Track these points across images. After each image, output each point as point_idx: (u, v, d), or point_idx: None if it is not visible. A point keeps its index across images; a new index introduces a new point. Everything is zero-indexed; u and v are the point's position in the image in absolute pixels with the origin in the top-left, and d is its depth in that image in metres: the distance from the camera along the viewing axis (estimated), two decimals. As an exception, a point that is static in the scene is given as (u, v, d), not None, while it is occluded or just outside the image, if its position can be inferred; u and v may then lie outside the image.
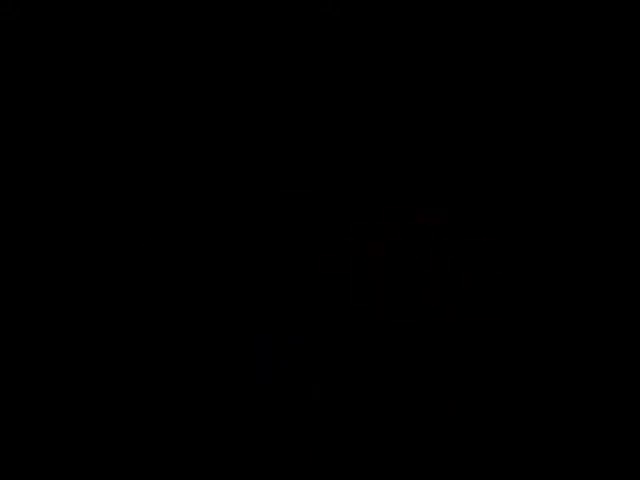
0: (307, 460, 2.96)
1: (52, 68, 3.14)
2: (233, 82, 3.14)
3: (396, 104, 3.14)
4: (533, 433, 2.97)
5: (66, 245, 3.03)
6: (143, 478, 2.92)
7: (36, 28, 3.13)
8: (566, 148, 3.10)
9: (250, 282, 3.07)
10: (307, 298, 3.06)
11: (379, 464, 2.96)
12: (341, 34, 3.14)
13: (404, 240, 3.04)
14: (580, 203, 3.07)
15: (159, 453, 2.93)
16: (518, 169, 3.10)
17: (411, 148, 3.13)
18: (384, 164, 3.12)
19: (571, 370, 3.00)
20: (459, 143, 3.12)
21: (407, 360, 3.03)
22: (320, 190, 3.11)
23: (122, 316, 3.04)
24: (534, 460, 2.95)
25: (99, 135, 3.12)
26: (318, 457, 2.96)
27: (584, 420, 2.97)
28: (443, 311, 3.04)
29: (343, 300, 3.05)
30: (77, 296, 3.03)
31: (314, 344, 2.99)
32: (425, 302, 3.04)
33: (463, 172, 3.10)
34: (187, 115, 3.11)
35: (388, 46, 3.15)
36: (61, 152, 3.10)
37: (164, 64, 3.14)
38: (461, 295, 3.05)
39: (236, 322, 3.04)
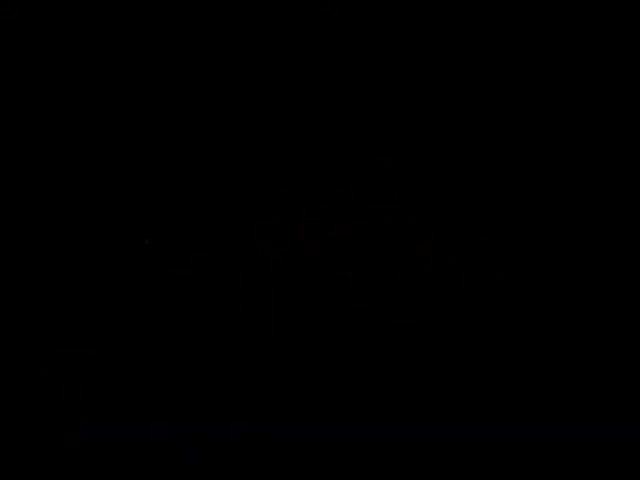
0: None
1: (52, 68, 3.14)
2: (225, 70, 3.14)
3: (396, 104, 3.14)
4: (533, 434, 2.97)
5: None
6: None
7: (36, 28, 3.13)
8: (565, 149, 3.10)
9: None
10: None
11: (379, 466, 2.96)
12: (341, 34, 3.14)
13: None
14: (579, 203, 3.08)
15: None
16: (517, 169, 3.10)
17: (414, 146, 3.13)
18: (386, 163, 3.13)
19: (571, 370, 3.00)
20: (460, 143, 3.12)
21: (407, 360, 3.03)
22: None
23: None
24: (534, 462, 2.95)
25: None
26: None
27: (581, 419, 2.96)
28: (443, 311, 3.04)
29: (342, 301, 3.05)
30: None
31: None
32: (425, 302, 3.04)
33: (463, 173, 3.11)
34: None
35: (386, 46, 3.15)
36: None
37: (162, 56, 3.15)
38: (461, 295, 3.04)
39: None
